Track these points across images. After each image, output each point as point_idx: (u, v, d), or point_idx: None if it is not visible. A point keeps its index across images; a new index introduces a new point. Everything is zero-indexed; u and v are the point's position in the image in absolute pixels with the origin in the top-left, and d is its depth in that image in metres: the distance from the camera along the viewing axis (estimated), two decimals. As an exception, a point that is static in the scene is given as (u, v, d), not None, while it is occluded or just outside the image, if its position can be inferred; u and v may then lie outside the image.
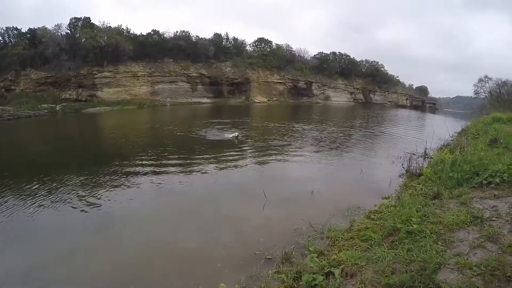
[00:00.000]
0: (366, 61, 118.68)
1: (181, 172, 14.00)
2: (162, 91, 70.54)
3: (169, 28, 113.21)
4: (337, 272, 5.10)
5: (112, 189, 11.58)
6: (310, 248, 6.71)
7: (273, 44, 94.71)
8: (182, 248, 7.54)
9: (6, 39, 65.97)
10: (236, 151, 18.36)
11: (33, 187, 11.66)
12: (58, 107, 50.80)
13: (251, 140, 22.61)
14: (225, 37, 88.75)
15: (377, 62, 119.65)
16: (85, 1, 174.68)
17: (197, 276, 6.33)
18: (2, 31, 65.54)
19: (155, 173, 13.79)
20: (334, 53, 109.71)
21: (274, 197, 10.70)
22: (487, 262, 4.41)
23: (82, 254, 7.34)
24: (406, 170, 13.29)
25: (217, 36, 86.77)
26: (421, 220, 6.34)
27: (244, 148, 19.45)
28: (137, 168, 14.45)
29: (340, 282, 4.87)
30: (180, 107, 62.77)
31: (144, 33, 76.08)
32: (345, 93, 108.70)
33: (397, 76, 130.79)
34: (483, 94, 67.55)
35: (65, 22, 70.28)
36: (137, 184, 12.36)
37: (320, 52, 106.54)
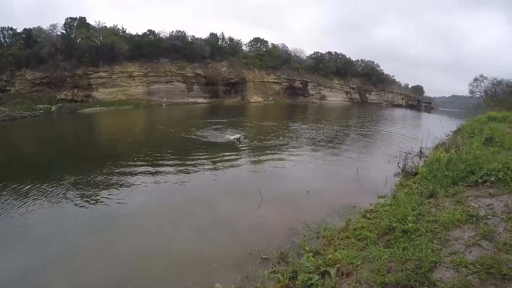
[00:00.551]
0: (362, 60, 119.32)
1: (177, 172, 13.96)
2: (158, 91, 70.56)
3: (164, 28, 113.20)
4: (332, 271, 5.10)
5: (108, 190, 11.55)
6: (306, 248, 6.69)
7: (269, 44, 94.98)
8: (178, 248, 7.54)
9: (1, 39, 65.91)
10: (232, 151, 18.32)
11: (29, 188, 11.63)
12: (53, 108, 50.79)
13: (247, 140, 22.53)
14: (221, 37, 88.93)
15: (373, 62, 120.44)
16: (81, 1, 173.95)
17: (193, 276, 6.33)
18: (-3, 31, 65.44)
19: (151, 173, 13.77)
20: (330, 52, 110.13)
21: (270, 196, 10.70)
22: (482, 260, 4.41)
23: (78, 255, 7.32)
24: (401, 169, 13.29)
25: (213, 36, 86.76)
26: (416, 219, 6.35)
27: (240, 147, 19.41)
28: (133, 169, 14.41)
29: (335, 281, 4.87)
30: (176, 107, 62.77)
31: (140, 33, 76.32)
32: (341, 92, 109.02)
33: (393, 76, 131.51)
34: (479, 93, 67.69)
35: (61, 22, 70.08)
36: (133, 184, 12.33)
37: (316, 52, 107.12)
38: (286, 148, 19.74)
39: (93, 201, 10.54)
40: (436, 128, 25.05)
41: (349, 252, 5.74)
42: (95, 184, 12.33)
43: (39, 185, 11.92)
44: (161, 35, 77.70)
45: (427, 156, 15.12)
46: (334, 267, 5.25)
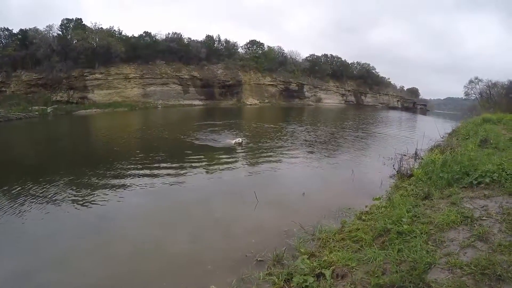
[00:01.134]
0: (358, 63, 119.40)
1: (173, 174, 13.92)
2: (153, 93, 70.41)
3: (161, 30, 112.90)
4: (328, 273, 5.11)
5: (103, 192, 11.51)
6: (301, 250, 6.71)
7: (265, 46, 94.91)
8: (174, 250, 7.53)
9: (-3, 40, 65.59)
10: (228, 153, 18.33)
11: (23, 190, 11.59)
12: (49, 109, 50.63)
13: (227, 136, 22.76)
14: (217, 39, 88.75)
15: (369, 64, 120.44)
16: (77, 2, 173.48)
17: (188, 278, 6.34)
18: (-7, 31, 65.24)
19: (147, 175, 13.73)
20: (325, 55, 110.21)
21: (265, 198, 10.71)
22: (477, 261, 4.42)
23: (74, 256, 7.30)
24: (397, 171, 13.36)
25: (209, 38, 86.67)
26: (411, 220, 6.38)
27: (236, 149, 19.39)
28: (129, 171, 14.39)
29: (331, 283, 4.88)
30: (172, 109, 62.72)
31: (136, 35, 76.17)
32: (337, 95, 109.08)
33: (388, 78, 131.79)
34: (474, 95, 68.27)
35: (57, 23, 70.01)
36: (129, 186, 12.32)
37: (312, 54, 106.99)
38: (282, 150, 19.78)
39: (89, 203, 10.52)
40: (431, 130, 25.15)
41: (344, 254, 5.76)
42: (90, 185, 12.29)
43: (34, 187, 11.87)
44: (157, 37, 77.58)
45: (422, 158, 15.20)
46: (329, 269, 5.26)
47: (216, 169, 14.92)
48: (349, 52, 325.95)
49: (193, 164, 15.52)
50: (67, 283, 6.44)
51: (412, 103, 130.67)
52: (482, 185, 8.02)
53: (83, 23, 68.50)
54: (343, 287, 4.76)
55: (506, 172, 8.24)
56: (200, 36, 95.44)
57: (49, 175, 13.57)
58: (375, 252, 5.47)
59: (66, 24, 67.63)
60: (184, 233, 8.50)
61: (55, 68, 59.98)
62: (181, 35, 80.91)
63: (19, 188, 11.78)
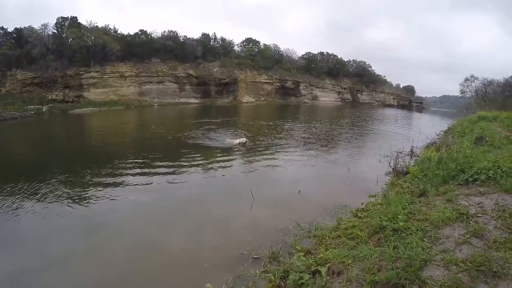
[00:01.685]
0: (354, 61, 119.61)
1: (169, 173, 13.88)
2: (149, 91, 70.23)
3: (156, 28, 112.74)
4: (323, 270, 5.12)
5: (99, 191, 11.47)
6: (297, 247, 6.73)
7: (261, 44, 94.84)
8: (170, 249, 7.53)
9: (-8, 38, 65.29)
10: (224, 151, 18.34)
11: (18, 189, 11.53)
12: (44, 108, 50.31)
13: (225, 135, 22.91)
14: (213, 37, 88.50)
15: (365, 62, 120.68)
16: (72, 0, 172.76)
17: (184, 277, 6.35)
18: (-12, 30, 64.94)
19: (143, 174, 13.71)
20: (321, 53, 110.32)
21: (262, 196, 10.73)
22: (473, 258, 4.44)
23: (69, 258, 7.26)
24: (393, 169, 13.38)
25: (205, 36, 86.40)
26: (407, 217, 6.37)
27: (232, 147, 19.36)
28: (125, 170, 14.35)
29: (326, 280, 4.89)
30: (167, 108, 62.56)
31: (132, 33, 75.74)
32: (333, 92, 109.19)
33: (384, 76, 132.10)
34: (469, 93, 68.45)
35: (52, 21, 69.78)
36: (125, 185, 12.31)
37: (308, 52, 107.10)
38: (278, 148, 19.78)
39: (85, 202, 10.50)
40: (427, 128, 25.24)
41: (340, 251, 5.77)
42: (86, 185, 12.26)
43: (28, 186, 11.81)
44: (153, 35, 77.33)
45: (418, 156, 15.28)
46: (325, 266, 5.27)
47: (212, 167, 14.89)
48: (345, 51, 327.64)
49: (190, 163, 15.46)
50: (62, 284, 6.43)
51: (408, 101, 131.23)
52: (478, 182, 8.04)
53: (79, 21, 68.12)
54: (339, 284, 4.76)
55: (501, 169, 8.28)
56: (196, 34, 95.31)
57: (44, 174, 13.50)
58: (370, 249, 5.47)
59: (61, 22, 67.23)
60: (180, 232, 8.50)
61: (50, 67, 59.73)
62: (177, 33, 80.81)
63: (14, 187, 11.72)
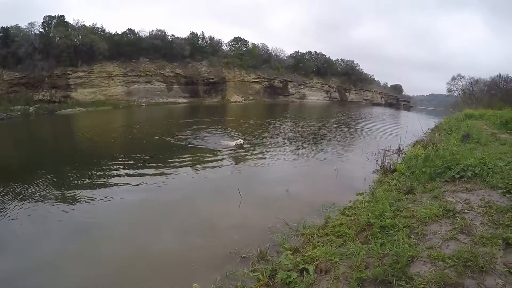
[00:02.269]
0: (342, 60, 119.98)
1: (157, 174, 13.85)
2: (137, 91, 69.74)
3: (144, 27, 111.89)
4: (311, 268, 5.14)
5: (87, 192, 11.42)
6: (285, 246, 6.73)
7: (249, 43, 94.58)
8: (158, 250, 7.52)
9: (-23, 38, 64.38)
10: (212, 150, 18.34)
11: (5, 191, 11.45)
12: (31, 109, 49.79)
13: (219, 136, 23.01)
14: (201, 36, 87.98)
15: (353, 61, 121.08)
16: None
17: (172, 278, 6.34)
18: (-28, 30, 64.03)
19: (131, 175, 13.64)
20: (310, 52, 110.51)
21: (250, 196, 10.79)
22: (459, 254, 4.47)
23: (58, 259, 7.27)
24: (380, 166, 13.46)
25: (193, 35, 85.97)
26: (394, 214, 6.41)
27: (229, 149, 19.31)
28: (113, 171, 14.27)
29: (314, 278, 4.91)
30: (156, 107, 62.25)
31: (119, 32, 75.04)
32: (321, 91, 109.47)
33: (372, 75, 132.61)
34: (456, 92, 69.61)
35: (39, 20, 68.97)
36: (113, 186, 12.28)
37: (296, 52, 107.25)
38: (266, 147, 19.86)
39: (72, 204, 10.46)
40: (414, 126, 25.38)
41: (328, 249, 5.79)
42: (74, 186, 12.19)
43: (16, 188, 11.76)
44: (141, 34, 76.66)
45: (405, 153, 15.34)
46: (312, 264, 5.30)
47: (200, 167, 14.90)
48: (332, 50, 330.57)
49: (178, 164, 15.45)
50: (51, 286, 6.40)
51: (395, 99, 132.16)
52: (464, 179, 8.12)
53: (66, 20, 67.16)
54: (326, 282, 4.78)
55: (487, 166, 8.41)
56: (184, 33, 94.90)
57: (30, 175, 13.37)
58: (358, 246, 5.49)
59: (49, 21, 66.26)
60: (168, 232, 8.52)
61: (37, 67, 58.88)
62: (165, 32, 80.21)
63: (1, 189, 11.60)
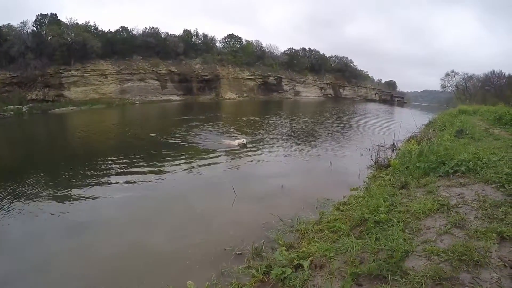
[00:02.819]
0: (336, 56, 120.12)
1: (151, 172, 13.83)
2: (131, 89, 69.55)
3: (137, 24, 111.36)
4: (306, 264, 5.13)
5: (82, 191, 11.39)
6: (280, 242, 6.75)
7: (243, 40, 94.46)
8: (152, 247, 7.51)
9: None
10: (206, 147, 18.31)
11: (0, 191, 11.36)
12: (24, 108, 49.62)
13: (218, 135, 22.90)
14: (195, 33, 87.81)
15: (346, 58, 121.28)
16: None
17: (166, 275, 6.32)
18: (-36, 29, 63.55)
19: (124, 173, 13.61)
20: (304, 49, 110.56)
21: (244, 192, 10.80)
22: (454, 248, 4.48)
23: (53, 258, 7.27)
24: (374, 162, 13.53)
25: (187, 32, 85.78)
26: (388, 209, 6.44)
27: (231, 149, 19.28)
28: (106, 170, 14.24)
29: (309, 274, 4.90)
30: (149, 105, 62.09)
31: (113, 30, 74.79)
32: (315, 88, 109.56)
33: (366, 71, 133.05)
34: (450, 88, 70.30)
35: (31, 19, 68.46)
36: (107, 184, 12.24)
37: (290, 48, 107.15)
38: (260, 143, 19.83)
39: (68, 203, 10.43)
40: (408, 122, 25.55)
41: (323, 245, 5.80)
42: (69, 185, 12.13)
43: (10, 187, 11.72)
44: (134, 32, 76.38)
45: (399, 149, 15.42)
46: (307, 260, 5.29)
47: (194, 164, 14.84)
48: (326, 47, 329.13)
49: (172, 161, 15.46)
50: (46, 285, 6.41)
51: (389, 95, 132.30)
52: (458, 173, 8.18)
53: (58, 18, 66.74)
54: (321, 277, 4.77)
55: (481, 161, 8.50)
56: (177, 31, 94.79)
57: (23, 175, 13.29)
58: (352, 241, 5.51)
59: (41, 20, 65.83)
60: (163, 229, 8.51)
61: (30, 66, 58.47)
62: (159, 30, 79.94)
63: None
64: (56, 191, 11.48)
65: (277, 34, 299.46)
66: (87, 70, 64.45)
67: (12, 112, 46.12)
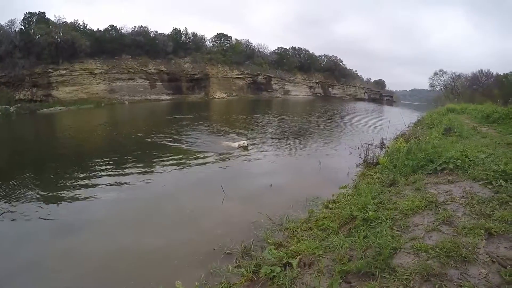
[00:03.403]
0: (325, 55, 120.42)
1: (140, 172, 13.79)
2: (120, 88, 69.09)
3: (126, 23, 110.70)
4: (294, 262, 5.13)
5: (71, 192, 11.31)
6: (269, 241, 6.80)
7: (232, 39, 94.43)
8: (141, 248, 7.48)
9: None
10: (195, 147, 18.27)
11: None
12: (12, 109, 49.20)
13: (213, 135, 22.74)
14: (184, 32, 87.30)
15: (336, 57, 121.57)
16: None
17: (155, 275, 6.29)
18: (-50, 28, 62.81)
19: (113, 174, 13.52)
20: (293, 48, 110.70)
21: (233, 192, 10.79)
22: (442, 244, 4.50)
23: (42, 260, 7.18)
24: (363, 160, 13.61)
25: (176, 31, 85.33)
26: (377, 207, 6.46)
27: (204, 143, 19.24)
28: (95, 171, 14.05)
29: (297, 272, 4.90)
30: (139, 105, 61.86)
31: (101, 29, 74.23)
32: (304, 87, 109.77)
33: (355, 70, 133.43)
34: (438, 86, 70.92)
35: (19, 17, 67.87)
36: (95, 185, 12.13)
37: (280, 47, 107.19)
38: (250, 142, 19.70)
39: (56, 203, 10.37)
40: (397, 120, 25.69)
41: (311, 243, 5.81)
42: (58, 186, 12.06)
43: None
44: (123, 31, 75.73)
45: (388, 147, 15.47)
46: (296, 258, 5.29)
47: (183, 163, 14.85)
48: (316, 46, 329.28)
49: (161, 160, 15.48)
50: (36, 286, 6.38)
51: (378, 94, 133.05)
52: (446, 171, 8.25)
53: (47, 17, 66.16)
54: (309, 275, 4.77)
55: (469, 158, 8.60)
56: (167, 30, 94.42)
57: (12, 176, 13.18)
58: (341, 239, 5.52)
59: (29, 18, 65.28)
60: (152, 230, 8.49)
61: (17, 65, 57.95)
62: (148, 29, 79.54)
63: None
64: (44, 191, 11.37)
65: (267, 33, 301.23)
66: (75, 70, 63.89)
67: (0, 113, 45.70)
